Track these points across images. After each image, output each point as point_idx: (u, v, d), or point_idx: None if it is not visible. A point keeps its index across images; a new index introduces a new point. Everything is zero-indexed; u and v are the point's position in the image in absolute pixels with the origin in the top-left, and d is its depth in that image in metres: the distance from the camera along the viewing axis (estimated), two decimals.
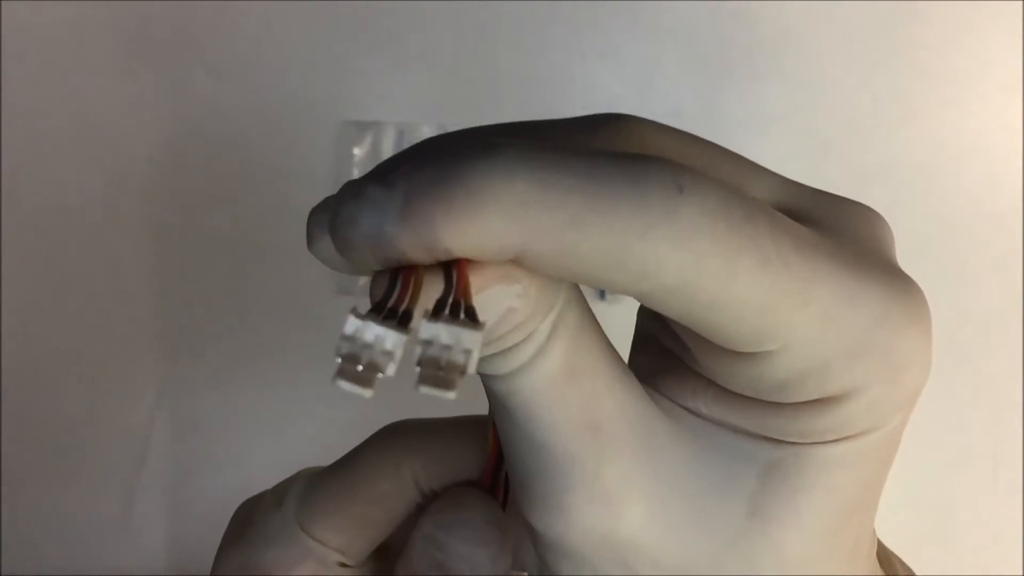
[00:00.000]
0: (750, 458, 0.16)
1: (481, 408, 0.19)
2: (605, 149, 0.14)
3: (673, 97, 0.43)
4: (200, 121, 0.43)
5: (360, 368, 0.14)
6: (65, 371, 0.43)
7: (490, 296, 0.14)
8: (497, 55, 0.43)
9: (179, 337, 0.43)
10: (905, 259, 0.17)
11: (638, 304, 0.16)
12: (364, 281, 0.42)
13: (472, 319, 0.13)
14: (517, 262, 0.14)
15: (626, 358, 0.18)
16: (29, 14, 0.42)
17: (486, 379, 0.16)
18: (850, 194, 0.17)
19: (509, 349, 0.16)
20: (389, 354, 0.14)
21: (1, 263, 0.42)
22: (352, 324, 0.14)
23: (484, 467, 0.21)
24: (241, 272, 0.43)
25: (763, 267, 0.14)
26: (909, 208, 0.42)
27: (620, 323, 0.20)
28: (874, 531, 0.19)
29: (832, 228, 0.16)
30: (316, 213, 0.16)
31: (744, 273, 0.14)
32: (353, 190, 0.13)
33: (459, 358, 0.13)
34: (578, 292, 0.16)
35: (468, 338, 0.13)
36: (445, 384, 0.13)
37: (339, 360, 0.14)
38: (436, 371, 0.14)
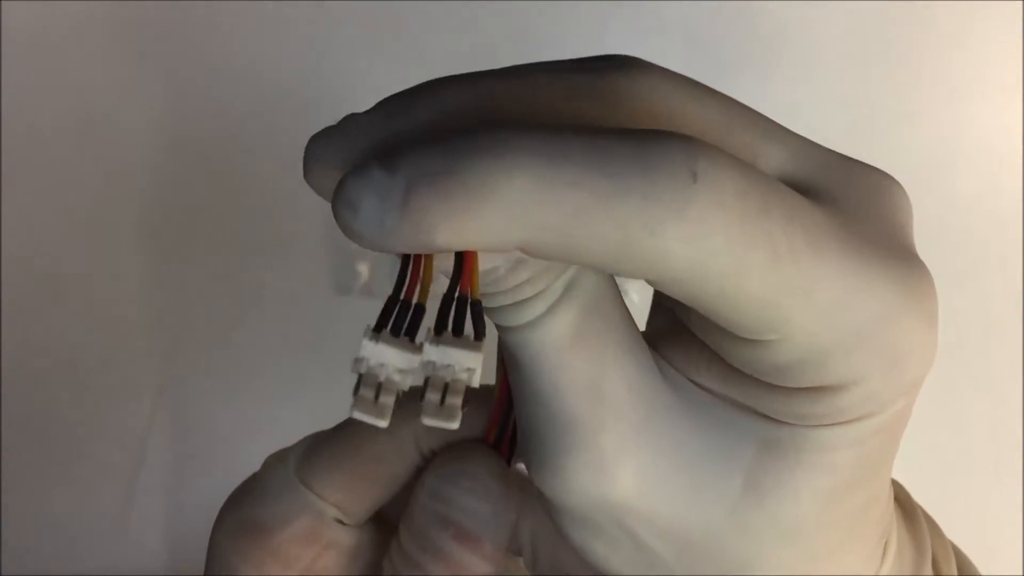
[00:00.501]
0: (749, 434, 0.17)
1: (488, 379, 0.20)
2: (613, 127, 0.13)
3: None
4: (200, 121, 0.43)
5: (376, 401, 0.14)
6: (64, 371, 0.43)
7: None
8: (497, 55, 0.43)
9: (178, 337, 0.43)
10: None
11: None
12: (364, 281, 0.42)
13: (477, 324, 0.14)
14: (523, 251, 0.13)
15: (642, 325, 0.18)
16: (29, 14, 0.42)
17: (499, 329, 0.16)
18: None
19: (520, 303, 0.16)
20: (404, 372, 0.14)
21: (1, 263, 0.42)
22: (367, 347, 0.14)
23: (488, 424, 0.21)
24: (240, 272, 0.43)
25: (773, 263, 0.13)
26: None
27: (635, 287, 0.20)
28: (889, 489, 0.19)
29: (847, 205, 0.15)
30: (315, 142, 0.15)
31: (753, 269, 0.13)
32: (359, 169, 0.13)
33: (462, 376, 0.14)
34: None
35: (469, 359, 0.14)
36: (448, 416, 0.14)
37: (355, 391, 0.14)
38: (439, 405, 0.14)
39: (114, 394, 0.43)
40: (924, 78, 0.43)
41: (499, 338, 0.17)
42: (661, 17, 0.42)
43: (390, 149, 0.13)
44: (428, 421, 0.14)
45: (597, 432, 0.16)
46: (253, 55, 0.43)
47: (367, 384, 0.14)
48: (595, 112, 0.14)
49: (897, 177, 0.17)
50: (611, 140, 0.13)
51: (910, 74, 0.43)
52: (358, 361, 0.14)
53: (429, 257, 0.14)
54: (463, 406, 0.14)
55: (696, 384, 0.17)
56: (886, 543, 0.19)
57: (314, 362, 0.42)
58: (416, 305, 0.14)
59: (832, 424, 0.16)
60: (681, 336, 0.17)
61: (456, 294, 0.14)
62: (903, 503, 0.21)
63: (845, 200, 0.15)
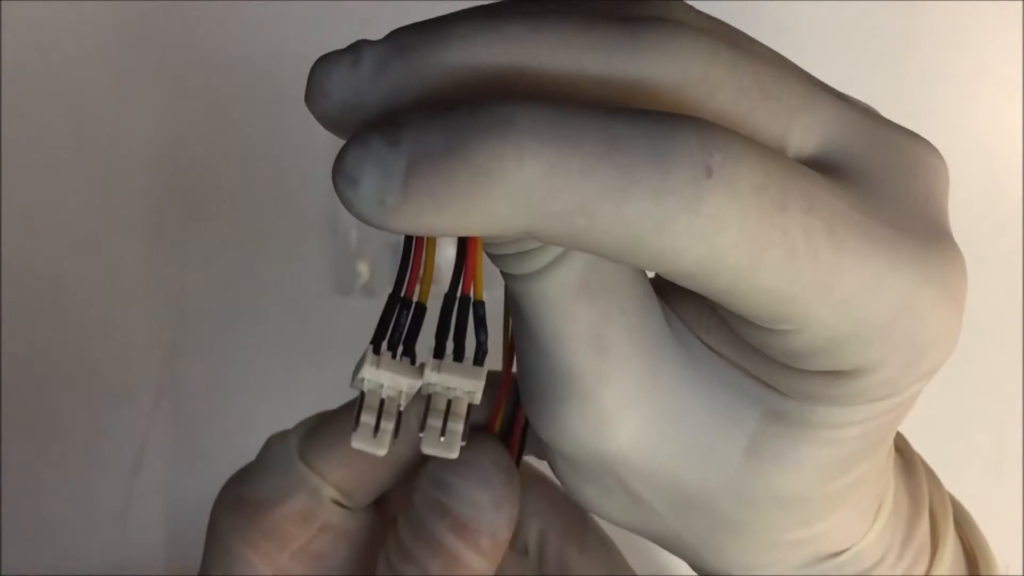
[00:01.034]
0: (755, 400, 0.16)
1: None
2: (628, 108, 0.12)
3: None
4: (199, 120, 0.43)
5: (377, 428, 0.14)
6: (64, 371, 0.43)
7: None
8: None
9: (177, 337, 0.43)
10: None
11: None
12: (364, 280, 0.42)
13: (480, 330, 0.14)
14: (528, 236, 0.13)
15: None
16: (29, 14, 0.42)
17: (504, 275, 0.16)
18: None
19: (526, 252, 0.15)
20: (403, 393, 0.14)
21: (1, 262, 0.42)
22: (368, 371, 0.14)
23: (492, 412, 0.20)
24: (240, 272, 0.43)
25: (790, 260, 0.13)
26: None
27: None
28: (890, 454, 0.19)
29: (879, 182, 0.14)
30: (322, 70, 0.14)
31: (768, 267, 0.13)
32: (360, 139, 0.12)
33: (463, 397, 0.14)
34: None
35: (470, 384, 0.14)
36: (447, 447, 0.14)
37: (356, 414, 0.14)
38: (439, 433, 0.14)
39: (114, 394, 0.43)
40: (924, 78, 0.43)
41: (505, 295, 0.16)
42: None
43: (394, 116, 0.12)
44: (427, 450, 0.14)
45: (598, 385, 0.16)
46: (254, 55, 0.43)
47: (368, 409, 0.14)
48: (621, 73, 0.13)
49: None
50: (624, 126, 0.12)
51: (910, 74, 0.43)
52: (358, 380, 0.14)
53: (432, 241, 0.14)
54: (464, 436, 0.14)
55: (705, 344, 0.17)
56: (880, 504, 0.19)
57: (314, 362, 0.41)
58: (416, 307, 0.14)
59: (842, 404, 0.15)
60: (692, 297, 0.16)
61: (458, 293, 0.14)
62: (902, 452, 0.21)
63: (878, 175, 0.14)
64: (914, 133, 0.16)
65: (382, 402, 0.14)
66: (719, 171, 0.12)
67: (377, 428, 0.14)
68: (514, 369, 0.18)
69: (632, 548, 0.24)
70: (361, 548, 0.21)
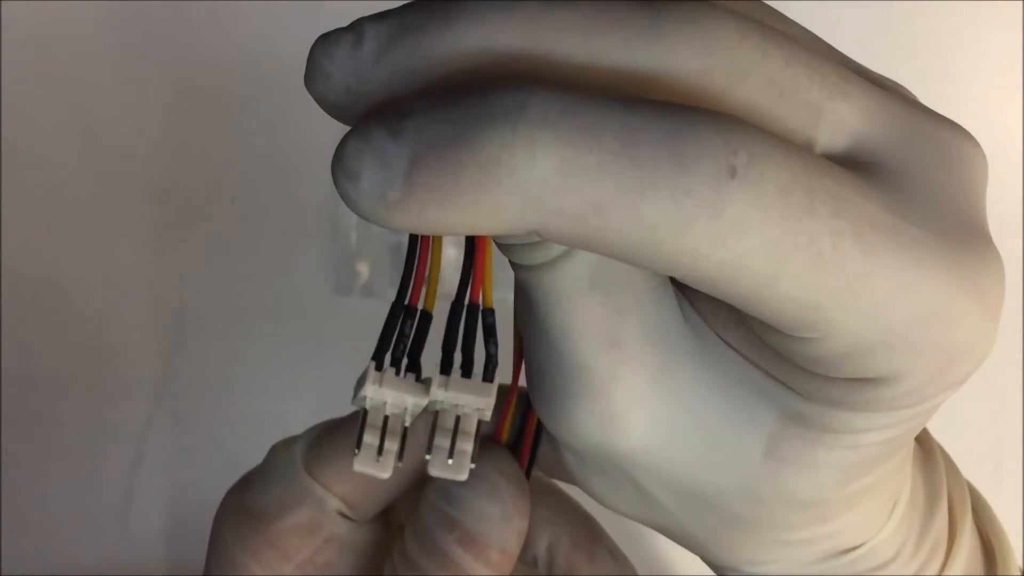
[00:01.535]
0: (774, 400, 0.15)
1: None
2: (648, 102, 0.12)
3: None
4: (199, 120, 0.43)
5: (380, 449, 0.13)
6: (63, 370, 0.43)
7: None
8: None
9: (177, 337, 0.43)
10: None
11: None
12: (364, 281, 0.42)
13: (489, 341, 0.13)
14: (539, 235, 0.12)
15: None
16: (29, 14, 0.42)
17: (513, 266, 0.15)
18: None
19: (537, 242, 0.14)
20: (408, 411, 0.14)
21: (1, 262, 0.42)
22: (370, 389, 0.13)
23: (498, 422, 0.20)
24: (240, 272, 0.43)
25: (815, 267, 0.12)
26: None
27: None
28: (910, 452, 0.18)
29: (915, 179, 0.13)
30: (322, 51, 0.13)
31: (792, 274, 0.12)
32: (361, 131, 0.12)
33: (472, 415, 0.13)
34: None
35: (480, 401, 0.13)
36: (456, 469, 0.13)
37: (358, 442, 0.13)
38: (447, 454, 0.13)
39: (113, 393, 0.43)
40: (924, 78, 0.43)
41: (515, 277, 0.16)
42: None
43: (397, 103, 0.12)
44: (435, 472, 0.13)
45: (608, 381, 0.15)
46: (253, 55, 0.43)
47: (371, 428, 0.13)
48: (642, 59, 0.12)
49: None
50: (643, 120, 0.11)
51: (910, 74, 0.43)
52: (360, 398, 0.13)
53: (438, 240, 0.13)
54: (474, 457, 0.13)
55: (723, 340, 0.16)
56: (895, 502, 0.18)
57: (314, 362, 0.41)
58: (421, 316, 0.13)
59: (865, 411, 0.14)
60: None
61: (466, 300, 0.13)
62: (921, 441, 0.20)
63: (912, 171, 0.13)
64: (954, 124, 0.15)
65: (386, 420, 0.13)
66: (743, 171, 0.11)
67: (381, 448, 0.13)
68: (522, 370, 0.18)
69: (638, 548, 0.24)
70: (367, 560, 0.21)
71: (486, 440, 0.20)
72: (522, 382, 0.18)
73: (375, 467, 0.13)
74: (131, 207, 0.43)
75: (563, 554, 0.21)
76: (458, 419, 0.13)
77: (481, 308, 0.13)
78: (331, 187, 0.39)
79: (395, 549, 0.20)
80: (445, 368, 0.13)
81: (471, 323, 0.13)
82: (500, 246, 0.15)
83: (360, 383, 0.14)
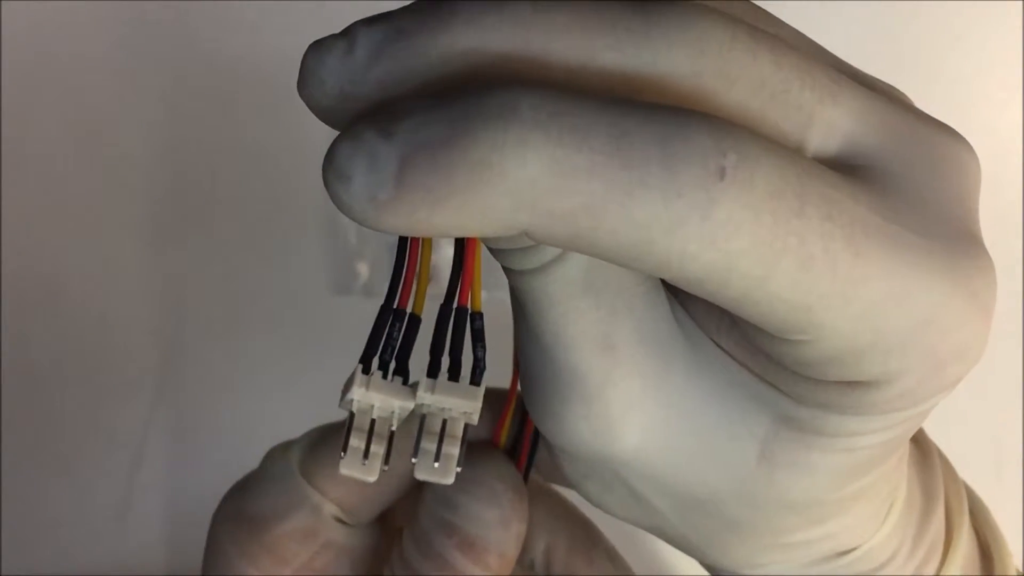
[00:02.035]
0: (768, 405, 0.15)
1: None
2: (639, 104, 0.12)
3: None
4: (199, 120, 0.43)
5: (367, 452, 0.13)
6: (64, 370, 0.43)
7: None
8: None
9: (176, 337, 0.43)
10: None
11: None
12: (364, 280, 0.42)
13: (477, 346, 0.13)
14: (529, 237, 0.12)
15: None
16: (29, 13, 0.42)
17: (506, 271, 0.15)
18: None
19: (529, 247, 0.14)
20: (395, 414, 0.13)
21: (1, 262, 0.42)
22: (357, 392, 0.13)
23: (496, 426, 0.20)
24: (239, 272, 0.43)
25: (805, 269, 0.12)
26: None
27: None
28: (905, 453, 0.18)
29: (907, 182, 0.13)
30: (315, 57, 0.13)
31: (782, 276, 0.12)
32: (352, 133, 0.12)
33: (459, 418, 0.13)
34: None
35: (467, 405, 0.13)
36: (442, 472, 0.13)
37: (345, 445, 0.13)
38: (434, 457, 0.13)
39: (113, 394, 0.43)
40: (924, 78, 0.43)
41: (508, 280, 0.16)
42: None
43: (389, 105, 0.12)
44: (421, 476, 0.13)
45: (602, 387, 0.15)
46: (253, 54, 0.43)
47: (357, 431, 0.13)
48: (633, 61, 0.12)
49: None
50: (633, 122, 0.11)
51: (910, 74, 0.43)
52: (347, 401, 0.13)
53: (428, 243, 0.13)
54: (460, 461, 0.13)
55: (716, 344, 0.16)
56: (891, 504, 0.18)
57: (313, 362, 0.41)
58: (410, 319, 0.13)
59: (858, 414, 0.14)
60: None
61: (455, 304, 0.13)
62: (918, 442, 0.20)
63: (905, 174, 0.13)
64: (947, 127, 0.15)
65: (372, 423, 0.13)
66: (732, 173, 0.11)
67: (367, 452, 0.13)
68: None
69: (633, 549, 0.24)
70: (364, 565, 0.21)
71: (484, 445, 0.20)
72: None
73: (361, 471, 0.13)
74: (130, 207, 0.43)
75: (560, 557, 0.21)
76: (445, 423, 0.13)
77: (470, 312, 0.13)
78: None
79: (393, 553, 0.20)
80: (432, 372, 0.13)
81: (459, 327, 0.13)
82: (492, 251, 0.15)
83: (347, 386, 0.14)
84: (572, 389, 0.15)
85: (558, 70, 0.12)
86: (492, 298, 0.14)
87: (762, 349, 0.14)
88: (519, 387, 0.18)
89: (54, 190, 0.43)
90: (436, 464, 0.13)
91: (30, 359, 0.43)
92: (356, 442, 0.13)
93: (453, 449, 0.13)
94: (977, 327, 0.14)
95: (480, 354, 0.13)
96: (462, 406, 0.13)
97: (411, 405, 0.13)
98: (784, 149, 0.12)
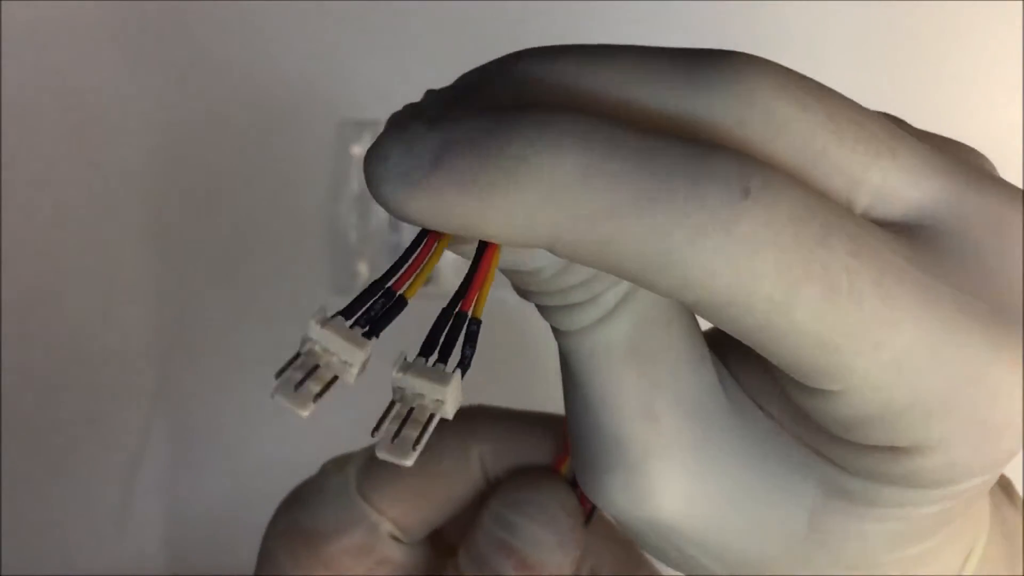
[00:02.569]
0: (816, 473, 0.15)
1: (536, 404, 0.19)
2: (671, 134, 0.12)
3: None
4: (199, 120, 0.43)
5: (302, 383, 0.13)
6: (63, 371, 0.43)
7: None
8: (496, 54, 0.43)
9: (176, 337, 0.43)
10: None
11: None
12: (364, 281, 0.42)
13: (467, 348, 0.13)
14: (550, 250, 0.12)
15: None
16: (29, 13, 0.42)
17: (553, 331, 0.15)
18: None
19: (571, 307, 0.15)
20: (346, 364, 0.13)
21: (1, 263, 0.42)
22: (313, 329, 0.13)
23: (558, 453, 0.20)
24: (238, 271, 0.43)
25: (828, 300, 0.12)
26: None
27: None
28: (982, 507, 0.17)
29: (961, 246, 0.13)
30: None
31: (804, 303, 0.12)
32: (401, 120, 0.12)
33: (429, 407, 0.13)
34: None
35: (437, 391, 0.13)
36: (400, 452, 0.13)
37: (279, 373, 0.13)
38: (391, 439, 0.13)
39: (113, 394, 0.43)
40: (924, 78, 0.43)
41: (560, 359, 0.16)
42: (661, 18, 0.42)
43: (439, 106, 0.12)
44: (381, 455, 0.13)
45: (644, 456, 0.15)
46: (253, 54, 0.43)
47: (299, 367, 0.13)
48: (674, 109, 0.13)
49: None
50: (663, 142, 0.12)
51: (910, 74, 0.43)
52: (304, 340, 0.13)
53: (444, 240, 0.13)
54: (417, 442, 0.13)
55: (763, 411, 0.15)
56: (969, 551, 0.17)
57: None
58: (399, 297, 0.13)
59: (909, 486, 0.14)
60: (751, 355, 0.15)
61: (457, 309, 0.13)
62: (1004, 486, 0.19)
63: (963, 236, 0.13)
64: (1016, 191, 0.14)
65: (316, 368, 0.13)
66: (756, 194, 0.12)
67: (301, 385, 0.13)
68: None
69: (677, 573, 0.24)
70: None
71: (546, 471, 0.20)
72: None
73: (292, 398, 0.13)
74: (130, 208, 0.43)
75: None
76: (412, 409, 0.13)
77: (469, 316, 0.13)
78: (330, 187, 0.39)
79: (448, 570, 0.20)
80: (424, 353, 0.13)
81: (456, 328, 0.13)
82: (540, 309, 0.15)
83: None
84: (614, 456, 0.15)
85: (604, 108, 0.13)
86: (497, 297, 0.14)
87: (801, 407, 0.14)
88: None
89: (54, 190, 0.43)
90: (393, 442, 0.13)
91: (30, 360, 0.43)
92: (292, 373, 0.13)
93: (412, 432, 0.13)
94: None
95: (468, 352, 0.13)
96: (433, 391, 0.13)
97: (362, 356, 0.13)
98: (814, 189, 0.12)
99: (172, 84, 0.43)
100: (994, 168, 0.15)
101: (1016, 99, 0.43)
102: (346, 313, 0.13)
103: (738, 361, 0.16)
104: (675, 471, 0.15)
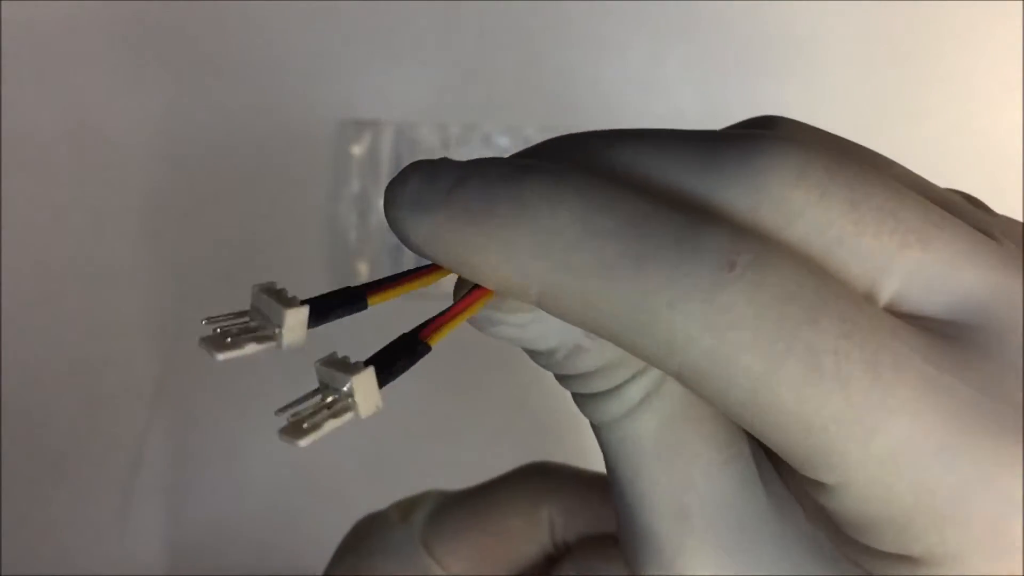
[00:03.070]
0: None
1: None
2: (674, 203, 0.12)
3: (675, 96, 0.43)
4: (199, 120, 0.43)
5: (216, 333, 0.14)
6: (63, 372, 0.43)
7: (530, 320, 0.14)
8: (496, 54, 0.43)
9: (176, 338, 0.43)
10: None
11: None
12: (363, 280, 0.42)
13: (400, 364, 0.13)
14: (539, 303, 0.13)
15: None
16: (29, 13, 0.42)
17: (592, 425, 0.15)
18: None
19: (596, 397, 0.15)
20: (279, 331, 0.14)
21: (1, 263, 0.42)
22: (256, 295, 0.14)
23: None
24: (238, 272, 0.43)
25: (811, 380, 0.11)
26: None
27: None
28: None
29: (992, 346, 0.12)
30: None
31: (787, 382, 0.11)
32: (438, 160, 0.13)
33: (340, 400, 0.13)
34: None
35: (345, 382, 0.13)
36: (292, 432, 0.13)
37: (213, 331, 0.14)
38: (285, 420, 0.14)
39: (113, 394, 0.43)
40: (924, 78, 0.43)
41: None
42: (663, 17, 0.42)
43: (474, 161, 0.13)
44: (280, 436, 0.14)
45: (677, 553, 0.15)
46: (253, 55, 0.43)
47: (238, 316, 0.14)
48: (688, 189, 0.13)
49: None
50: (662, 208, 0.12)
51: (910, 74, 0.43)
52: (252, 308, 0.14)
53: (435, 276, 0.14)
54: (314, 428, 0.13)
55: (802, 506, 0.15)
56: None
57: (313, 362, 0.41)
58: (363, 304, 0.14)
59: None
60: None
61: (419, 333, 0.13)
62: None
63: (994, 334, 0.12)
64: None
65: (230, 328, 0.14)
66: (742, 270, 0.12)
67: (229, 338, 0.14)
68: None
69: None
70: None
71: (616, 541, 0.20)
72: None
73: (211, 346, 0.14)
74: (131, 207, 0.43)
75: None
76: (333, 401, 0.14)
77: (422, 340, 0.13)
78: (330, 187, 0.39)
79: None
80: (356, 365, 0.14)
81: (406, 347, 0.13)
82: (574, 397, 0.15)
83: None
84: (647, 550, 0.15)
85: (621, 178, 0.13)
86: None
87: (818, 504, 0.13)
88: None
89: (54, 190, 0.43)
90: (285, 422, 0.14)
91: (30, 360, 0.43)
92: (229, 322, 0.14)
93: (308, 416, 0.13)
94: None
95: (400, 364, 0.13)
96: (343, 381, 0.13)
97: (285, 317, 0.14)
98: (814, 266, 0.12)
99: (172, 84, 0.43)
100: None
101: (1016, 99, 0.43)
102: (315, 299, 0.14)
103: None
104: (708, 570, 0.15)
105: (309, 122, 0.42)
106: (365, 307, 0.14)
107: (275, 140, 0.43)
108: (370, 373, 0.13)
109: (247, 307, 0.14)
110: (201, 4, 0.42)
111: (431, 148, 0.42)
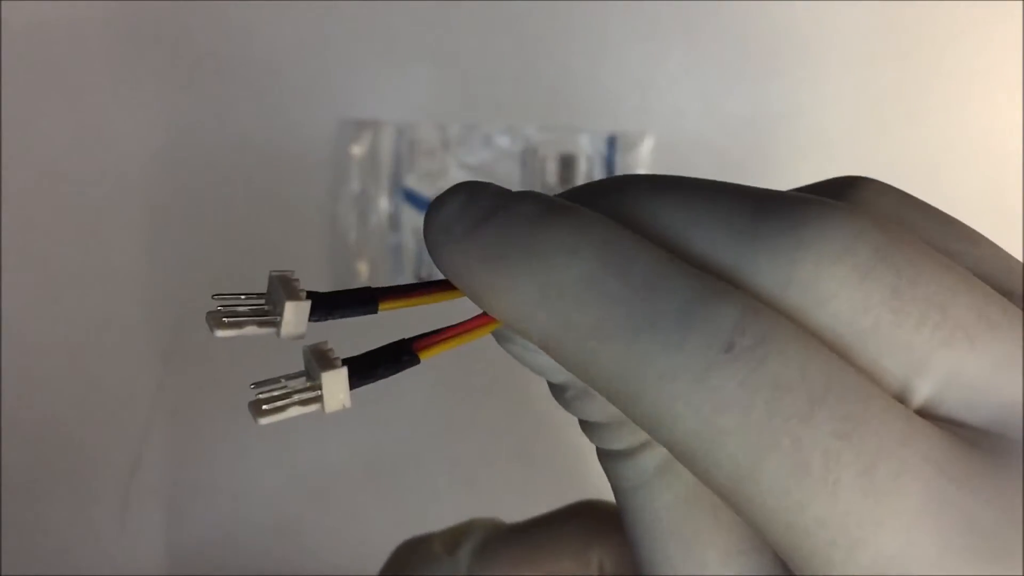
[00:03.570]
0: None
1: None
2: (695, 268, 0.12)
3: (675, 96, 0.43)
4: (199, 120, 0.43)
5: (220, 318, 0.14)
6: (63, 373, 0.43)
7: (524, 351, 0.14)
8: (496, 54, 0.43)
9: (176, 339, 0.43)
10: None
11: None
12: (363, 280, 0.42)
13: (382, 370, 0.13)
14: (541, 347, 0.13)
15: None
16: (29, 14, 0.42)
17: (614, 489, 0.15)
18: None
19: (611, 457, 0.15)
20: (278, 322, 0.14)
21: (1, 263, 0.42)
22: (271, 280, 0.15)
23: None
24: (240, 272, 0.43)
25: (794, 478, 0.11)
26: None
27: None
28: None
29: (1009, 445, 0.11)
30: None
31: (770, 476, 0.11)
32: (486, 183, 0.13)
33: (307, 392, 0.13)
34: None
35: (316, 376, 0.13)
36: (253, 411, 0.13)
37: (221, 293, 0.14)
38: (254, 398, 0.14)
39: (113, 395, 0.43)
40: (925, 78, 0.43)
41: None
42: (664, 17, 0.42)
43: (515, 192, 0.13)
44: (249, 409, 0.14)
45: None
46: (253, 55, 0.43)
47: (224, 303, 0.14)
48: (721, 258, 0.12)
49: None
50: (680, 277, 0.12)
51: (910, 73, 0.43)
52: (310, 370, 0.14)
53: (446, 295, 0.14)
54: (276, 410, 0.13)
55: None
56: None
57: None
58: (373, 308, 0.14)
59: None
60: None
61: (414, 342, 0.13)
62: None
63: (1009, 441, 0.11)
64: None
65: (224, 310, 0.14)
66: (739, 352, 0.11)
67: (233, 319, 0.14)
68: None
69: None
70: None
71: None
72: None
73: (215, 324, 0.14)
74: (131, 207, 0.43)
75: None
76: (301, 388, 0.14)
77: (412, 351, 0.13)
78: (330, 187, 0.39)
79: None
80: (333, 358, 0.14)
81: (393, 354, 0.13)
82: (598, 453, 0.15)
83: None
84: None
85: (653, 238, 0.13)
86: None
87: None
88: None
89: (54, 190, 0.43)
90: (251, 399, 0.14)
91: (30, 360, 0.43)
92: (219, 308, 0.14)
93: (277, 397, 0.14)
94: None
95: (381, 370, 0.13)
96: (315, 372, 0.14)
97: (270, 301, 0.14)
98: (827, 352, 0.11)
99: (172, 84, 0.43)
100: None
101: (1016, 99, 0.43)
102: (319, 294, 0.14)
103: None
104: None
105: (309, 122, 0.42)
106: (375, 311, 0.14)
107: (275, 140, 0.43)
108: (342, 373, 0.13)
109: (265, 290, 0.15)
110: (201, 4, 0.42)
111: (431, 148, 0.42)
